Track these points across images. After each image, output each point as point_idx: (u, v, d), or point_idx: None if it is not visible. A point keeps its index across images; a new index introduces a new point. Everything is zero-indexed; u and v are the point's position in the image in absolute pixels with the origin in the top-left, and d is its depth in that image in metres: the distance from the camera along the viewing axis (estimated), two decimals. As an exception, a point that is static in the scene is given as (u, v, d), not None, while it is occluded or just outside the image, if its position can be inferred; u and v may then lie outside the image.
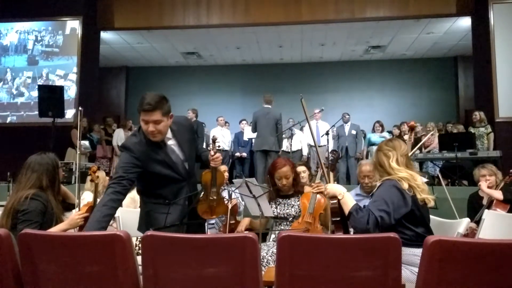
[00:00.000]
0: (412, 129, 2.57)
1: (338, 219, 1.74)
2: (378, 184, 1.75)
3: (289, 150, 5.64)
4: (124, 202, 3.07)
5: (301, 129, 6.65)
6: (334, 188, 1.77)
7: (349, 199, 1.71)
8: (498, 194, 2.88)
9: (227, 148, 6.71)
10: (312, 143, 6.38)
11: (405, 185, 1.68)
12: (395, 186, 1.68)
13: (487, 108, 6.16)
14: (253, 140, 6.25)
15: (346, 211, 1.68)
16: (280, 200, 2.45)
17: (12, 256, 1.40)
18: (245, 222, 2.63)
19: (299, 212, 2.40)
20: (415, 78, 9.57)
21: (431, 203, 1.74)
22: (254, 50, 9.09)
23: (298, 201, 2.43)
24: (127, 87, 10.26)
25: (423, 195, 1.71)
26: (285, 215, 2.41)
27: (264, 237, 2.46)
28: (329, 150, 6.34)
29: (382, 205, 1.62)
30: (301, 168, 3.66)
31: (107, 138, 6.89)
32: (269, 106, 5.46)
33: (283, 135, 5.57)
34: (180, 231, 1.81)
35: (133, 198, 3.06)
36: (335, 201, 1.74)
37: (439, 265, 1.20)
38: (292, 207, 2.42)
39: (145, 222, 1.97)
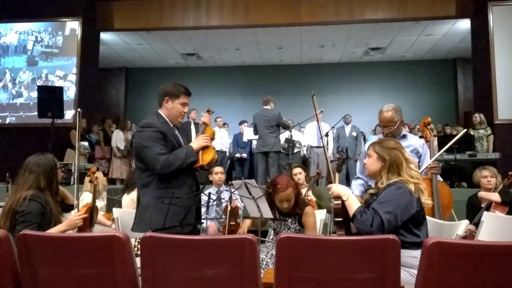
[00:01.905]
0: (426, 125, 2.51)
1: (341, 219, 1.73)
2: (384, 184, 1.72)
3: (289, 152, 5.64)
4: (124, 203, 3.08)
5: (300, 131, 6.65)
6: (339, 188, 1.75)
7: (354, 201, 1.69)
8: (495, 197, 2.89)
9: (225, 149, 6.71)
10: (313, 144, 6.42)
11: (411, 187, 1.67)
12: (402, 187, 1.66)
13: (486, 110, 6.17)
14: (253, 142, 6.26)
15: (351, 213, 1.67)
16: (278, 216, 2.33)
17: (11, 257, 1.40)
18: (246, 223, 2.58)
19: (297, 232, 2.27)
20: (415, 80, 9.59)
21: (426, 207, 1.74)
22: (253, 52, 9.10)
23: (295, 223, 2.27)
24: (126, 88, 10.26)
25: (427, 200, 1.71)
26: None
27: (263, 238, 2.45)
28: (334, 151, 6.32)
29: (389, 207, 1.61)
30: (297, 170, 3.64)
31: (105, 132, 6.89)
32: (268, 108, 5.47)
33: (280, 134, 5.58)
34: (184, 230, 1.84)
35: (132, 199, 3.05)
36: (339, 201, 1.73)
37: (439, 267, 1.21)
38: (288, 228, 2.26)
39: (151, 214, 1.91)
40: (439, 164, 2.42)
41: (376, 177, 1.79)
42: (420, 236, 1.67)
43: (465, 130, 4.12)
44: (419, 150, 2.48)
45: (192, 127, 6.01)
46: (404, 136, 2.51)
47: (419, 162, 2.49)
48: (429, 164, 2.37)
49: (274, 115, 5.33)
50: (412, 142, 2.49)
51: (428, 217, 2.13)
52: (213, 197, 3.32)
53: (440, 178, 2.47)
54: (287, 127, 5.42)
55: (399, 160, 1.71)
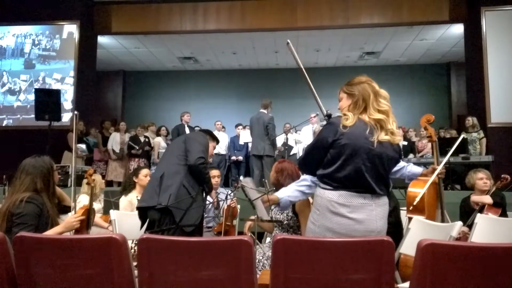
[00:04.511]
0: (431, 123, 2.44)
1: None
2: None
3: (285, 155, 5.67)
4: (121, 205, 3.08)
5: (297, 132, 6.68)
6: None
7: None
8: (487, 200, 2.93)
9: (223, 152, 6.73)
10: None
11: (349, 121, 1.54)
12: (330, 123, 1.61)
13: (479, 114, 6.23)
14: (249, 144, 6.28)
15: None
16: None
17: (7, 259, 1.40)
18: (249, 223, 2.66)
19: (289, 219, 2.33)
20: (409, 84, 9.68)
21: (396, 140, 1.57)
22: (250, 55, 9.15)
23: (289, 209, 2.33)
24: (124, 91, 10.26)
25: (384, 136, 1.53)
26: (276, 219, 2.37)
27: (259, 240, 2.48)
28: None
29: (308, 146, 1.71)
30: (297, 171, 3.67)
31: (104, 135, 6.88)
32: (264, 111, 5.50)
33: (276, 138, 5.58)
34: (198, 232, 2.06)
35: (130, 201, 3.05)
36: None
37: (432, 268, 1.22)
38: (281, 213, 2.33)
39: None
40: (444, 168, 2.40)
41: None
42: (336, 172, 1.53)
43: (462, 136, 4.14)
44: None
45: (186, 129, 6.04)
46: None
47: None
48: (439, 170, 2.34)
49: (264, 120, 5.36)
50: None
51: (422, 219, 2.16)
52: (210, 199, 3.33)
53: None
54: (269, 134, 5.33)
55: (366, 92, 1.61)
